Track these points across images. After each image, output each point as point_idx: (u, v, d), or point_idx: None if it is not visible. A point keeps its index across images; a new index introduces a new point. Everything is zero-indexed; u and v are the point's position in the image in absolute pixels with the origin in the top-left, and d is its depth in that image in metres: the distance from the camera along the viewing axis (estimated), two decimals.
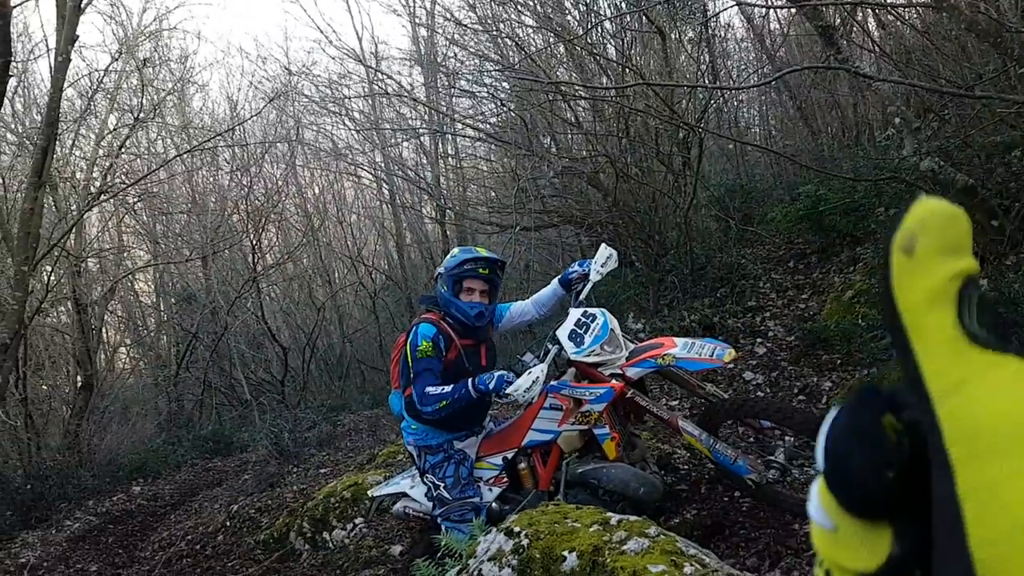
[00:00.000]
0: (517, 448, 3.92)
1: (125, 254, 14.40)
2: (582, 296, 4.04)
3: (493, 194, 12.92)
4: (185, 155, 11.19)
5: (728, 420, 3.90)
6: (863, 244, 8.23)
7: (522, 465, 3.94)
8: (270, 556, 5.70)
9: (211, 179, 15.85)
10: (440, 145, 14.60)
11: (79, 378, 11.49)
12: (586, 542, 2.38)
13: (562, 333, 3.84)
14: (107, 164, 9.96)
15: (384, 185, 16.34)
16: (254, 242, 13.57)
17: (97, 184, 9.50)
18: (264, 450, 9.56)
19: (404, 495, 4.20)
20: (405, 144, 15.28)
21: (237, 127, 13.34)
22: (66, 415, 11.28)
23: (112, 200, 11.52)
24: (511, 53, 9.97)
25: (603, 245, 4.18)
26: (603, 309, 3.99)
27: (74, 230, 10.20)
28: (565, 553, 2.38)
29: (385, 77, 12.42)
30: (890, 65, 8.09)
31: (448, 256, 4.00)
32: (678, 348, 3.70)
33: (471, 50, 10.12)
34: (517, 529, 2.59)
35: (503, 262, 4.03)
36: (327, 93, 12.94)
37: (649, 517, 2.84)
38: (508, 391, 3.49)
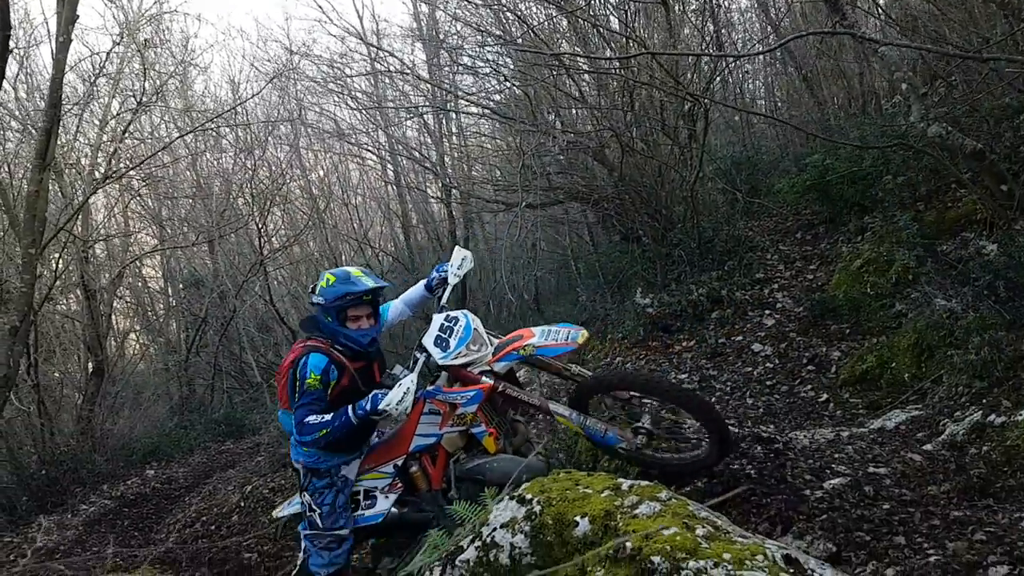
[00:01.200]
0: (406, 454, 4.07)
1: (132, 239, 14.43)
2: (443, 300, 4.22)
3: (498, 172, 12.86)
4: (187, 135, 11.18)
5: (595, 395, 4.01)
6: (871, 213, 8.19)
7: (413, 468, 4.09)
8: (284, 535, 5.75)
9: (215, 163, 15.84)
10: (444, 124, 14.54)
11: (90, 364, 11.57)
12: (598, 507, 2.38)
13: (428, 340, 3.96)
14: (111, 149, 9.95)
15: (389, 166, 16.29)
16: (260, 225, 13.57)
17: (102, 169, 9.50)
18: (276, 431, 9.62)
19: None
20: (409, 124, 15.21)
21: (239, 108, 13.29)
22: (78, 401, 11.36)
23: (117, 185, 11.54)
24: (513, 27, 9.87)
25: (456, 247, 4.43)
26: (464, 310, 4.13)
27: (81, 216, 10.22)
28: (577, 518, 2.39)
29: (387, 55, 12.34)
30: (896, 31, 7.99)
31: (323, 283, 3.94)
32: (536, 337, 3.91)
33: (473, 25, 10.03)
34: (529, 496, 2.59)
35: (384, 287, 4.05)
36: (328, 73, 12.87)
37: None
38: (381, 406, 3.54)
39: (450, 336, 3.94)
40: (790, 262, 8.85)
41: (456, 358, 3.88)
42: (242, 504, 7.23)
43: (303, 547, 4.03)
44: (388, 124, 13.84)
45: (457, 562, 2.65)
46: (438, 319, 4.04)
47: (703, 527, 2.28)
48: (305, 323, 4.14)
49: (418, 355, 3.95)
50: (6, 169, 8.28)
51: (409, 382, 3.59)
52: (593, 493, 2.49)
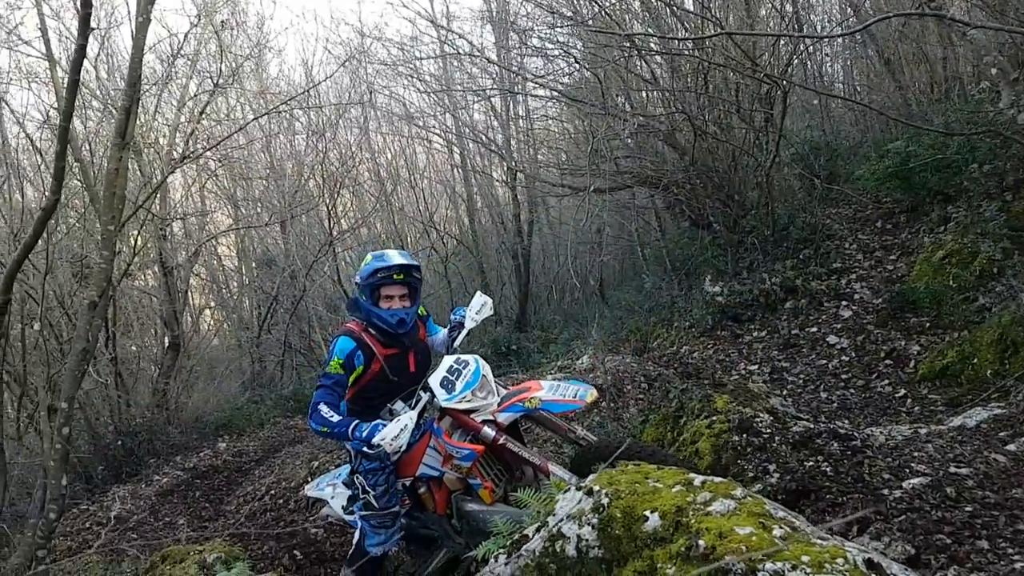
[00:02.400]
0: (413, 476, 4.05)
1: (208, 218, 14.83)
2: (456, 343, 4.22)
3: (565, 156, 12.73)
4: (262, 118, 11.36)
5: (598, 463, 3.83)
6: (955, 202, 7.87)
7: (422, 490, 4.08)
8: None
9: (288, 145, 16.14)
10: (511, 107, 14.45)
11: (166, 339, 11.96)
12: (669, 502, 2.30)
13: (433, 381, 3.89)
14: (189, 130, 10.22)
15: (455, 149, 16.32)
16: (329, 207, 13.77)
17: (179, 149, 9.76)
18: None
19: (326, 503, 4.48)
20: (476, 107, 15.19)
21: (311, 91, 13.47)
22: (154, 374, 11.76)
23: (194, 165, 11.85)
24: (584, 8, 9.71)
25: (478, 293, 4.43)
26: (476, 356, 4.05)
27: (159, 195, 10.52)
28: (647, 513, 2.31)
29: (456, 37, 12.32)
30: (985, 13, 7.57)
31: (362, 263, 4.00)
32: (544, 391, 3.79)
33: (543, 6, 9.89)
34: (597, 488, 2.53)
35: (417, 265, 4.03)
36: (398, 56, 12.92)
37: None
38: (375, 440, 3.50)
39: (457, 379, 3.88)
40: (869, 252, 8.54)
41: (459, 402, 3.81)
42: (309, 479, 7.36)
43: (359, 528, 4.06)
44: (456, 107, 13.84)
45: (523, 551, 2.60)
46: (448, 360, 3.98)
47: (780, 527, 2.18)
48: (349, 304, 4.19)
49: (422, 394, 3.90)
50: (87, 148, 8.58)
51: (407, 419, 3.55)
52: (664, 487, 2.41)
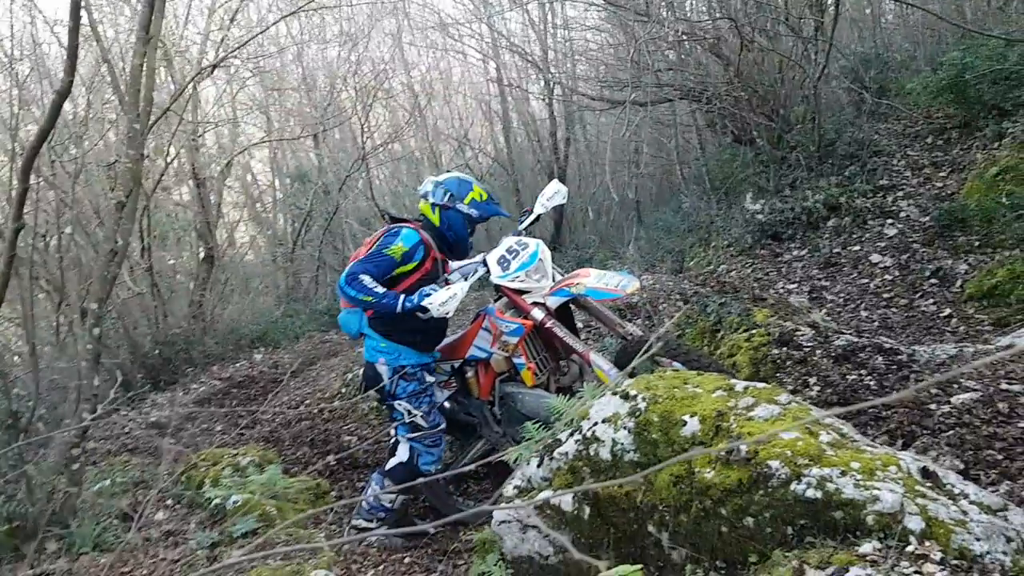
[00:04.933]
0: (463, 359, 4.18)
1: (239, 130, 14.71)
2: (522, 226, 4.28)
3: (604, 68, 12.29)
4: (289, 17, 11.05)
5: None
6: (1011, 117, 7.52)
7: (469, 374, 4.22)
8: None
9: (320, 56, 15.83)
10: (549, 17, 13.92)
11: (201, 251, 12.03)
12: (709, 407, 2.21)
13: (491, 256, 4.06)
14: (219, 37, 10.02)
15: (491, 63, 15.87)
16: (362, 121, 13.54)
17: (210, 57, 9.59)
18: None
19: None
20: (512, 16, 14.68)
21: None
22: (190, 286, 11.88)
23: (226, 75, 11.66)
24: None
25: (554, 180, 4.43)
26: (538, 240, 4.15)
27: (190, 104, 10.40)
28: (686, 418, 2.22)
29: None
30: None
31: (475, 195, 4.02)
32: (590, 279, 3.86)
33: None
34: (633, 392, 2.44)
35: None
36: None
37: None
38: (424, 303, 3.58)
39: (513, 259, 4.00)
40: (918, 169, 8.22)
41: (512, 281, 3.94)
42: (343, 391, 7.43)
43: (408, 449, 4.07)
44: (491, 16, 13.37)
45: (555, 454, 2.55)
46: (509, 240, 4.12)
47: (827, 433, 2.08)
48: (426, 221, 4.16)
49: (478, 267, 4.07)
50: (117, 51, 8.45)
51: (458, 288, 3.64)
52: (703, 392, 2.31)
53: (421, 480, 3.61)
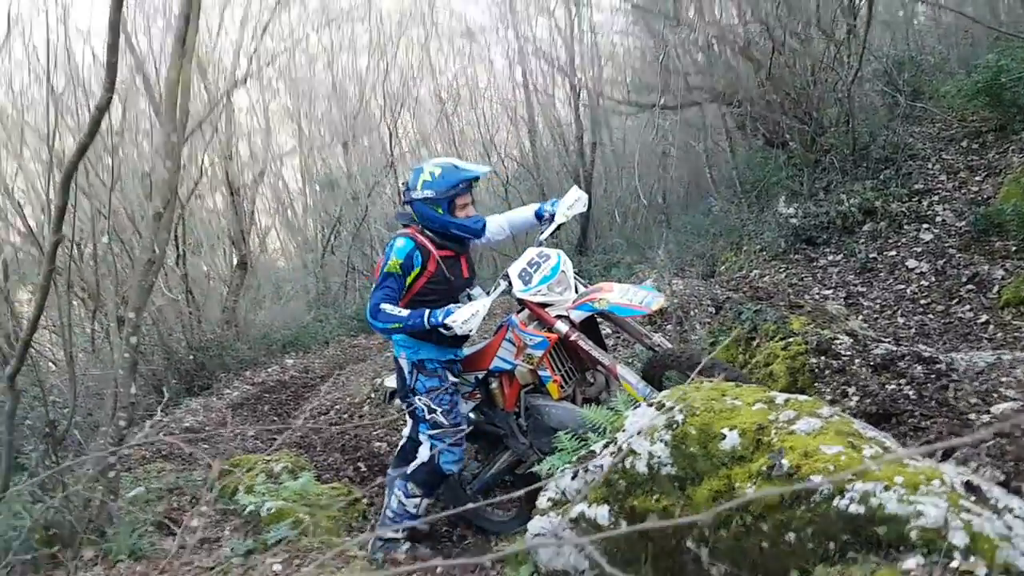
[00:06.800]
0: (486, 370, 4.11)
1: (271, 138, 14.87)
2: (543, 236, 4.14)
3: (631, 72, 12.25)
4: (320, 30, 11.19)
5: (669, 371, 3.72)
6: None
7: (493, 385, 4.15)
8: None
9: (350, 65, 15.95)
10: (576, 21, 13.89)
11: (235, 258, 12.18)
12: (749, 420, 2.18)
13: (513, 270, 3.96)
14: (252, 48, 10.15)
15: (517, 67, 15.87)
16: (391, 127, 13.64)
17: (243, 68, 9.73)
18: None
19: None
20: (539, 23, 14.66)
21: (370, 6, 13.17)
22: (224, 292, 12.03)
23: (258, 85, 11.83)
24: None
25: (574, 187, 4.32)
26: (560, 251, 4.06)
27: (224, 115, 10.54)
28: (725, 431, 2.19)
29: None
30: None
31: (427, 177, 3.85)
32: (614, 293, 3.79)
33: None
34: (670, 404, 2.41)
35: (487, 172, 4.06)
36: None
37: None
38: (447, 321, 3.52)
39: (535, 271, 3.93)
40: (953, 172, 8.10)
41: (535, 295, 3.88)
42: (372, 396, 7.47)
43: (430, 447, 4.04)
44: (518, 22, 13.39)
45: (590, 467, 2.53)
46: (530, 252, 4.04)
47: (870, 447, 2.04)
48: (400, 215, 4.12)
49: (501, 281, 3.97)
50: (152, 66, 8.57)
51: (481, 304, 3.59)
52: (743, 405, 2.28)
53: (453, 511, 3.57)
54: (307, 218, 18.30)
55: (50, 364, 8.56)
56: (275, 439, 6.86)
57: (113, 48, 3.07)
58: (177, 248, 9.97)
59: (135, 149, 9.85)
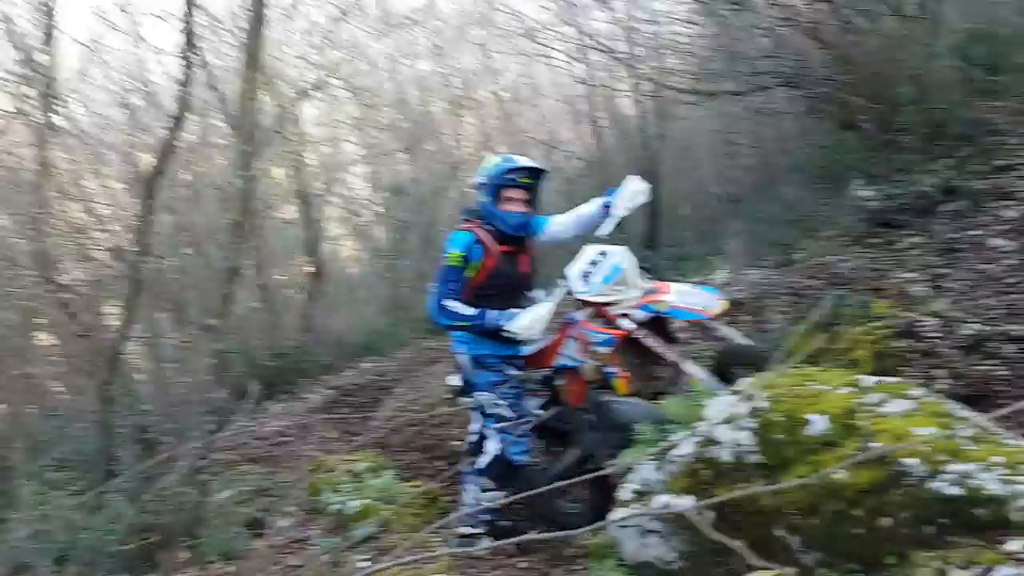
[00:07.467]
0: (550, 368, 4.08)
1: (338, 147, 15.19)
2: (603, 232, 3.96)
3: (695, 60, 12.03)
4: (381, 41, 11.39)
5: (740, 366, 3.55)
6: None
7: (558, 382, 4.11)
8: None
9: (411, 70, 16.16)
10: (637, 13, 13.74)
11: (309, 267, 12.51)
12: (836, 404, 2.13)
13: (572, 271, 3.89)
14: (316, 60, 10.42)
15: (577, 64, 15.78)
16: (454, 131, 13.75)
17: (308, 79, 9.98)
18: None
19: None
20: (598, 17, 14.56)
21: (431, 10, 13.32)
22: (299, 300, 12.36)
23: (323, 94, 12.09)
24: None
25: (634, 178, 4.16)
26: (621, 247, 3.94)
27: (294, 126, 10.83)
28: (811, 416, 2.14)
29: None
30: None
31: (488, 164, 3.96)
32: (672, 295, 3.76)
33: None
34: (753, 391, 2.38)
35: (546, 170, 4.05)
36: None
37: None
38: (509, 327, 3.54)
39: (596, 270, 3.86)
40: None
41: (597, 296, 3.83)
42: (447, 397, 7.56)
43: (498, 440, 4.06)
44: (576, 17, 13.32)
45: (672, 457, 2.51)
46: (589, 252, 3.97)
47: (965, 428, 1.97)
48: (465, 209, 4.22)
49: (561, 283, 3.92)
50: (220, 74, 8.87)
51: (543, 309, 3.61)
52: (829, 390, 2.23)
53: (523, 495, 3.59)
54: (376, 225, 18.62)
55: (140, 374, 8.95)
56: (355, 440, 7.02)
57: (187, 68, 3.19)
58: (254, 258, 10.29)
59: (210, 164, 10.20)
